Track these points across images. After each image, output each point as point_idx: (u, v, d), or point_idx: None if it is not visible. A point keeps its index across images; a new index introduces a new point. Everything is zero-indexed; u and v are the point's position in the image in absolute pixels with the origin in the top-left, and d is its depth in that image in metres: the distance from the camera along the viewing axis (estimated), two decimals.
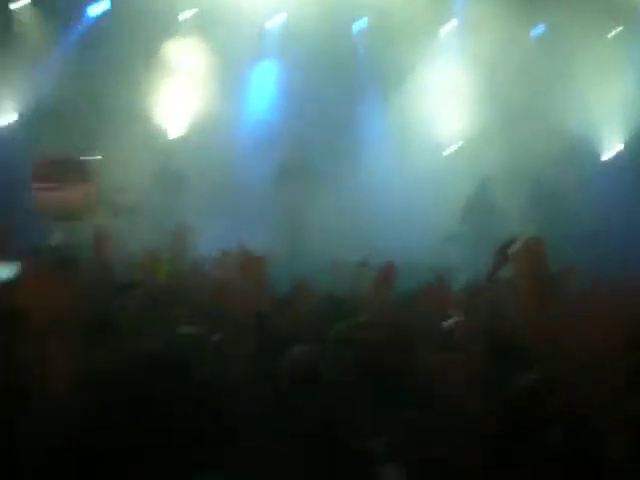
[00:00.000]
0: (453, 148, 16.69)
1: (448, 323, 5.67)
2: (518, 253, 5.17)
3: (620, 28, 16.27)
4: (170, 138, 16.11)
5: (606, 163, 16.44)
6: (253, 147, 15.75)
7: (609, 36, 16.28)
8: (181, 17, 16.43)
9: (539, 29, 16.60)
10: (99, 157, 14.62)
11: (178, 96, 16.31)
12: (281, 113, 16.12)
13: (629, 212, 15.11)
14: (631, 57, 15.96)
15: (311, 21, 15.52)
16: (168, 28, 16.33)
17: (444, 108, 16.42)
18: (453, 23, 16.77)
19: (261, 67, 16.74)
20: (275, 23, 16.63)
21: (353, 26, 16.86)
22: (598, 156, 16.43)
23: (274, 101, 16.54)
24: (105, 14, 16.26)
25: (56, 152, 13.35)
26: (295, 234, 14.80)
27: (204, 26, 16.35)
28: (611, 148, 16.44)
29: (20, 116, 15.55)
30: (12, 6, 15.89)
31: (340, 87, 16.17)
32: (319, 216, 14.84)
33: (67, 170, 13.28)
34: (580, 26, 15.02)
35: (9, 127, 15.54)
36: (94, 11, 16.25)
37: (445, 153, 16.63)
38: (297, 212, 14.80)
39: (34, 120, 15.21)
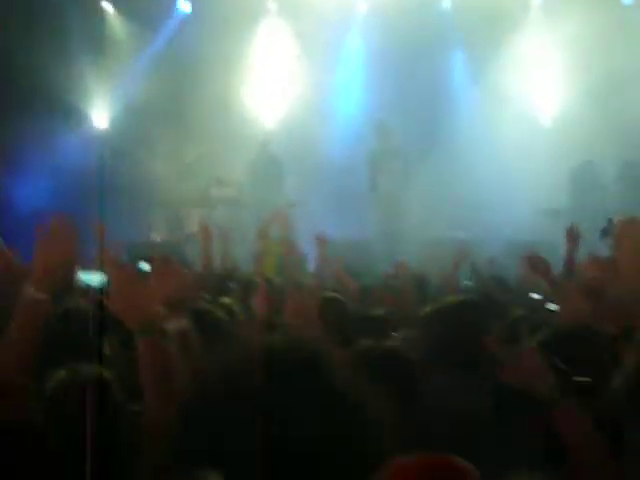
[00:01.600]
0: (550, 120, 16.46)
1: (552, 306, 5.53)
2: (621, 234, 5.06)
3: None
4: (265, 128, 16.23)
5: None
6: (347, 132, 15.80)
7: None
8: (266, 6, 16.55)
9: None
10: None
11: (271, 85, 16.46)
12: (372, 96, 16.10)
13: None
14: None
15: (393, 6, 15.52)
16: (255, 18, 16.46)
17: (538, 79, 16.24)
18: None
19: (349, 52, 16.72)
20: (360, 8, 16.63)
21: (439, 3, 16.74)
22: None
23: (364, 86, 16.52)
24: (191, 12, 16.49)
25: None
26: (393, 214, 14.74)
27: (286, 15, 16.46)
28: None
29: (115, 119, 15.83)
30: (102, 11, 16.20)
31: (430, 63, 16.08)
32: (417, 195, 14.82)
33: None
34: None
35: (103, 131, 15.83)
36: (180, 11, 16.49)
37: (542, 125, 16.40)
38: (394, 193, 14.75)
39: (130, 122, 15.47)
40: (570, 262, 6.59)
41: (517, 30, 16.30)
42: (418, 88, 15.69)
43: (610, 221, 6.31)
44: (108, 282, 3.28)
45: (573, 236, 6.86)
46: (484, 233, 13.82)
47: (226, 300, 5.78)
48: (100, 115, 15.85)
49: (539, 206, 14.43)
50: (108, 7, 16.36)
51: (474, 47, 16.07)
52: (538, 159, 14.97)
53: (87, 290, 4.43)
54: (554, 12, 15.95)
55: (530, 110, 16.30)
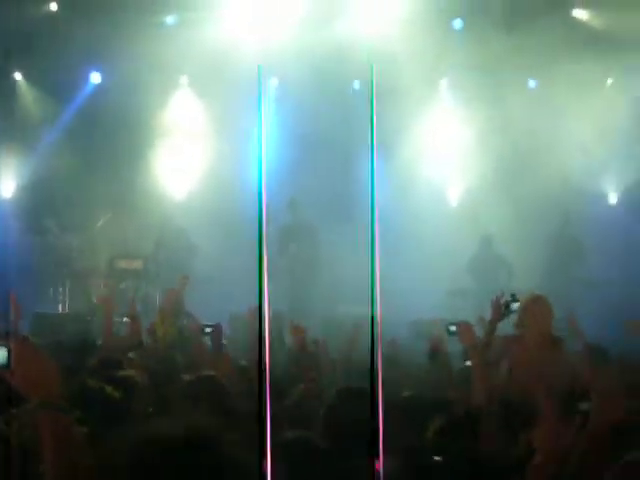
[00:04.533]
0: (456, 202, 16.76)
1: None
2: (523, 311, 5.17)
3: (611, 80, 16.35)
4: (174, 199, 16.22)
5: (612, 206, 16.47)
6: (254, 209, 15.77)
7: (604, 84, 16.36)
8: (178, 80, 16.63)
9: (533, 82, 16.72)
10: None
11: (181, 157, 16.49)
12: (281, 171, 16.18)
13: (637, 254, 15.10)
14: (625, 103, 15.97)
15: (307, 82, 15.68)
16: (166, 90, 16.52)
17: (446, 163, 16.55)
18: (448, 79, 16.90)
19: (260, 126, 16.79)
20: (271, 84, 16.77)
21: (350, 86, 16.98)
22: (604, 200, 16.45)
23: (272, 161, 16.61)
24: (102, 84, 16.48)
25: None
26: (300, 287, 14.78)
27: (201, 88, 16.55)
28: (615, 191, 16.48)
29: (22, 187, 15.69)
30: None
31: (339, 146, 16.27)
32: (327, 270, 14.88)
33: None
34: (573, 76, 15.13)
35: (12, 197, 15.68)
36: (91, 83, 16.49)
37: (449, 207, 16.68)
38: (302, 267, 14.80)
39: (36, 191, 15.35)
40: (490, 333, 6.61)
41: (426, 110, 16.60)
42: (329, 163, 15.86)
43: (513, 297, 6.50)
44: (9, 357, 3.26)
45: (496, 308, 6.87)
46: (389, 312, 13.83)
47: (128, 372, 5.73)
48: (8, 185, 15.70)
49: (447, 286, 14.62)
50: (18, 77, 16.26)
51: (384, 125, 16.27)
52: (446, 237, 15.20)
53: None
54: (463, 91, 16.32)
55: (438, 189, 16.55)
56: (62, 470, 3.15)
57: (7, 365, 3.24)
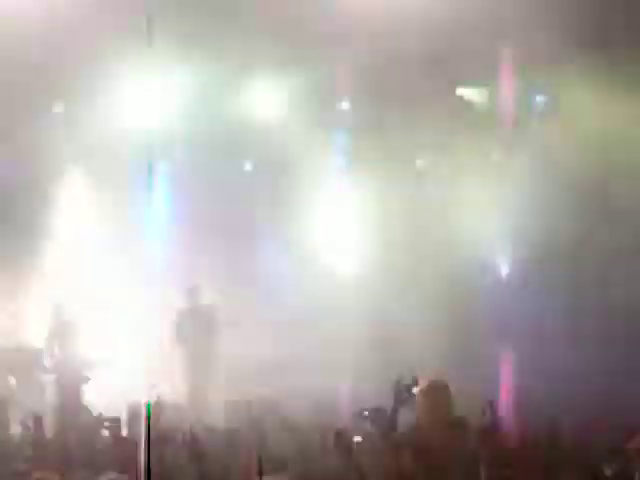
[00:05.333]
0: (349, 280, 16.84)
1: None
2: (421, 396, 5.18)
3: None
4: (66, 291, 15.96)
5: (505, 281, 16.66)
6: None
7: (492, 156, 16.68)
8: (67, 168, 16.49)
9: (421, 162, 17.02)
10: None
11: (72, 245, 16.29)
12: (176, 255, 16.09)
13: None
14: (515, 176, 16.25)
15: (198, 165, 15.72)
16: (55, 180, 16.35)
17: (339, 241, 16.67)
18: (336, 158, 17.09)
19: (152, 204, 16.66)
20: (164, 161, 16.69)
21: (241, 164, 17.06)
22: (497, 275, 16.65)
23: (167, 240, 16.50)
24: None
25: None
26: (201, 372, 14.63)
27: (88, 173, 16.44)
28: (509, 264, 16.68)
29: None
30: None
31: (233, 223, 16.27)
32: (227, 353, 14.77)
33: None
34: (463, 151, 15.41)
35: None
36: None
37: (345, 281, 16.74)
38: (201, 351, 14.66)
39: None
40: (392, 419, 6.57)
41: (321, 188, 16.73)
42: (225, 245, 15.85)
43: (414, 380, 6.50)
44: None
45: (397, 393, 6.84)
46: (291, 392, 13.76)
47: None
48: None
49: (348, 365, 14.62)
50: None
51: (276, 204, 16.39)
52: (343, 316, 15.24)
53: None
54: (357, 173, 16.52)
55: (332, 266, 16.63)
56: None
57: None
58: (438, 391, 6.26)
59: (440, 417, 6.10)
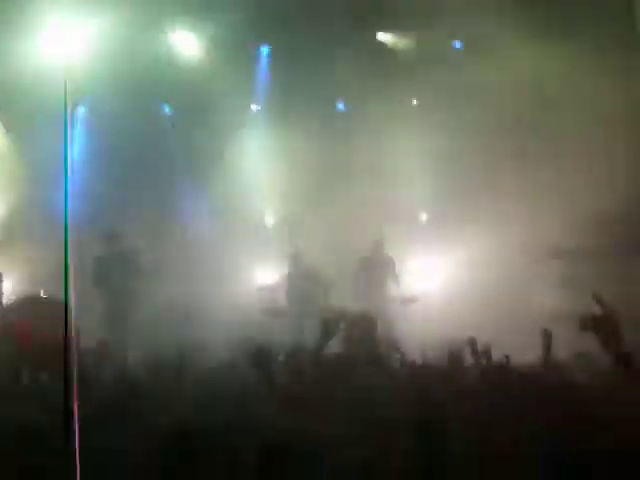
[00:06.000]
0: (272, 223, 16.89)
1: None
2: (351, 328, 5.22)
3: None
4: None
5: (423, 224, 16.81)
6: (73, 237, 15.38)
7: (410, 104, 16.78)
8: None
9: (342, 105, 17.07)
10: None
11: None
12: (98, 202, 15.91)
13: None
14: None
15: (115, 107, 15.52)
16: None
17: (255, 188, 16.65)
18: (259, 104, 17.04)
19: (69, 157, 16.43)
20: (81, 108, 16.46)
21: (162, 107, 16.90)
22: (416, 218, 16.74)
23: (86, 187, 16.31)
24: None
25: None
26: (120, 316, 14.50)
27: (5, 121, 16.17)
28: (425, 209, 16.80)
29: None
30: None
31: (154, 169, 16.14)
32: (145, 307, 14.66)
33: None
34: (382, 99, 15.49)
35: None
36: None
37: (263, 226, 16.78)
38: (121, 303, 14.52)
39: None
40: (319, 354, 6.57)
41: (237, 134, 16.67)
42: (146, 193, 15.74)
43: (342, 314, 6.55)
44: None
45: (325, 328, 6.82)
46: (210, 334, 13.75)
47: None
48: None
49: (262, 305, 14.67)
50: None
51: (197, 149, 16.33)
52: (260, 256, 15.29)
53: None
54: (273, 115, 16.48)
55: (252, 208, 16.63)
56: None
57: None
58: (368, 323, 6.33)
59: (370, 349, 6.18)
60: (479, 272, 14.48)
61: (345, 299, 13.10)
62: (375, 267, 15.11)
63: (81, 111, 16.47)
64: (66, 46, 14.61)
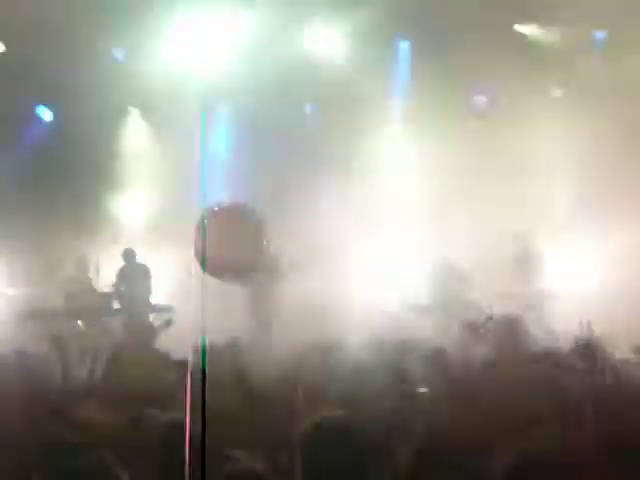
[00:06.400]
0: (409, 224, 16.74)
1: None
2: (498, 332, 5.10)
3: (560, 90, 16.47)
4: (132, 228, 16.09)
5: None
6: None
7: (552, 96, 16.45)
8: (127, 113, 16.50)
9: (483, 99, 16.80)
10: None
11: (132, 190, 16.33)
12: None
13: None
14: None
15: (257, 109, 15.63)
16: (115, 126, 16.38)
17: (397, 187, 16.51)
18: (398, 100, 16.91)
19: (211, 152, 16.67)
20: (223, 107, 16.64)
21: (302, 109, 16.95)
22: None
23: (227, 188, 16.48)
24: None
25: None
26: (264, 317, 14.62)
27: (148, 119, 16.45)
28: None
29: None
30: None
31: (296, 168, 16.19)
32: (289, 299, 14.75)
33: None
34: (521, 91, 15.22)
35: None
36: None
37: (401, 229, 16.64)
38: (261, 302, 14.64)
39: None
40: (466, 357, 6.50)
41: (374, 130, 16.58)
42: (285, 190, 15.78)
43: (490, 317, 6.40)
44: None
45: (472, 330, 6.75)
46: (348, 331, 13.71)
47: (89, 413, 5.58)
48: None
49: (404, 302, 14.54)
50: None
51: (336, 154, 16.29)
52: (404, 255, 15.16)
53: None
54: (410, 111, 16.33)
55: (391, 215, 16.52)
56: None
57: None
58: (513, 325, 6.15)
59: (520, 351, 6.00)
60: (630, 268, 14.14)
61: (489, 298, 12.89)
62: (520, 264, 14.89)
63: (223, 110, 16.66)
64: (208, 46, 14.96)
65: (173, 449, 4.48)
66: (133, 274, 14.87)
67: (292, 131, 16.31)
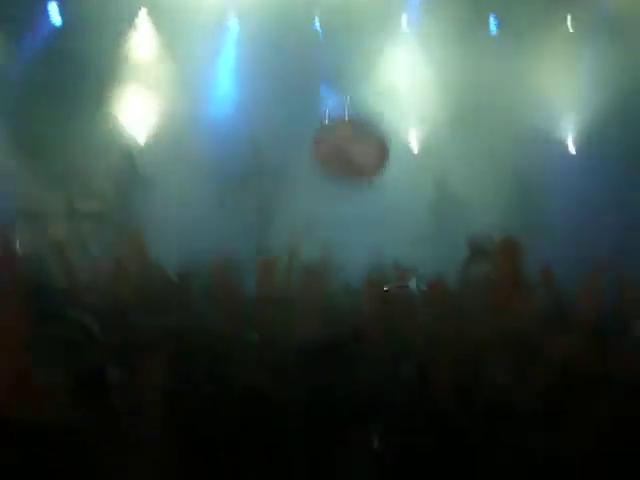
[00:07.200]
0: (415, 145, 16.65)
1: None
2: (496, 252, 5.11)
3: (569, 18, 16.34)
4: (134, 142, 15.93)
5: (570, 154, 16.49)
6: (217, 149, 15.58)
7: (562, 27, 16.34)
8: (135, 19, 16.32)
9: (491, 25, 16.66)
10: None
11: (140, 99, 16.18)
12: (243, 114, 15.98)
13: (596, 201, 15.14)
14: (584, 45, 15.95)
15: (267, 20, 15.47)
16: (123, 33, 16.20)
17: (403, 105, 16.40)
18: (405, 21, 16.74)
19: (219, 65, 16.56)
20: (230, 22, 16.47)
21: (310, 24, 16.79)
22: (562, 147, 16.45)
23: (233, 101, 16.40)
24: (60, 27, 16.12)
25: None
26: (262, 239, 14.64)
27: (159, 26, 16.29)
28: (574, 138, 16.47)
29: None
30: None
31: (299, 85, 16.07)
32: (287, 220, 14.73)
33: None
34: (531, 19, 15.11)
35: None
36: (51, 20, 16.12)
37: (410, 151, 16.57)
38: (264, 216, 14.65)
39: None
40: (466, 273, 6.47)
41: (388, 51, 16.43)
42: (290, 107, 15.69)
43: (490, 238, 6.40)
44: None
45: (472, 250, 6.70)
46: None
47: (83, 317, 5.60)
48: None
49: (409, 233, 14.54)
50: None
51: (343, 70, 16.16)
52: (408, 184, 15.10)
53: None
54: (425, 34, 16.17)
55: (400, 134, 16.44)
56: None
57: None
58: (514, 248, 6.12)
59: (516, 276, 5.99)
60: None
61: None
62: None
63: (233, 22, 16.50)
64: None
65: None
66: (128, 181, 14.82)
67: (298, 46, 16.10)
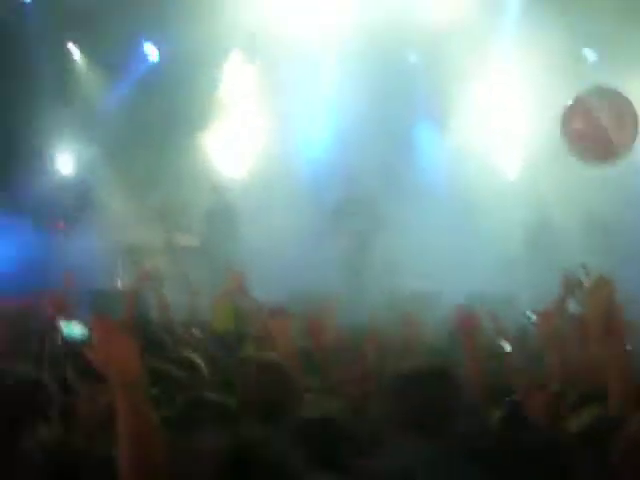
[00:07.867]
0: (513, 173, 16.54)
1: None
2: (591, 291, 5.03)
3: None
4: (228, 176, 16.10)
5: None
6: (311, 183, 15.68)
7: None
8: (232, 56, 16.53)
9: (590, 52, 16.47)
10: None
11: (237, 134, 16.38)
12: (338, 148, 16.06)
13: None
14: None
15: (364, 53, 15.54)
16: (220, 69, 16.43)
17: (501, 133, 16.33)
18: (503, 46, 16.64)
19: (316, 99, 16.63)
20: (329, 56, 16.57)
21: (405, 56, 16.81)
22: None
23: (330, 136, 16.47)
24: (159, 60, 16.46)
25: None
26: (357, 273, 14.68)
27: (255, 61, 16.47)
28: None
29: (79, 163, 15.73)
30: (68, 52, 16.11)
31: (396, 116, 16.11)
32: (383, 252, 14.75)
33: None
34: (625, 48, 14.89)
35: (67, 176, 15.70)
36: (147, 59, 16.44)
37: (505, 178, 16.45)
38: (359, 250, 14.68)
39: (95, 164, 15.39)
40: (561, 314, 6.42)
41: (480, 81, 16.39)
42: (385, 139, 15.74)
43: (586, 272, 6.29)
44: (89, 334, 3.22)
45: (568, 285, 6.65)
46: (445, 284, 13.65)
47: (187, 353, 5.67)
48: (64, 159, 15.74)
49: (496, 256, 14.44)
50: (74, 49, 16.24)
51: (439, 99, 16.15)
52: (503, 209, 15.01)
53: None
54: (516, 63, 16.08)
55: (494, 162, 16.34)
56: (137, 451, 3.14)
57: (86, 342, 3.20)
58: (608, 285, 6.03)
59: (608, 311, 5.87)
60: None
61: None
62: None
63: (331, 55, 16.56)
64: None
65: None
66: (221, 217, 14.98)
67: (393, 77, 16.13)
